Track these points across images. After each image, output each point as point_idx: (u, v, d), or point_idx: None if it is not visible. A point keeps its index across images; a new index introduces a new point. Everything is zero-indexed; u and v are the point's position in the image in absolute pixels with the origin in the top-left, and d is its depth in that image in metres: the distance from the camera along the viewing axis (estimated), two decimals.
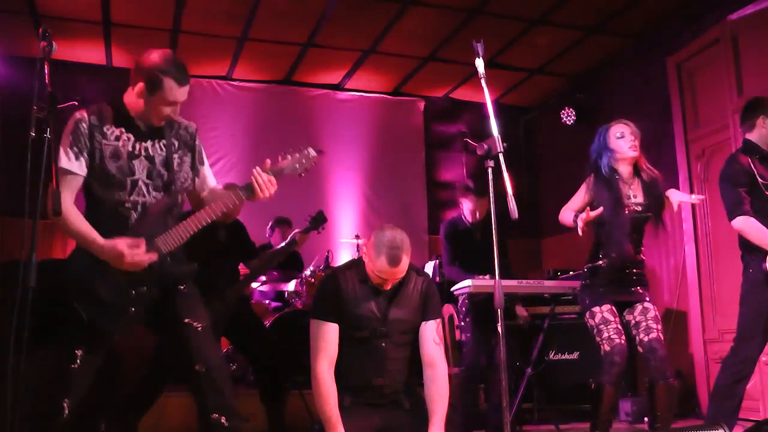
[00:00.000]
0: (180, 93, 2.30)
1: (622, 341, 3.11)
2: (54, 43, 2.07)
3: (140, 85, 2.26)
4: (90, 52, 5.90)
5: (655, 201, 3.25)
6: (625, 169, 3.27)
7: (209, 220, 2.33)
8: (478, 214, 4.21)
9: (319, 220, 4.17)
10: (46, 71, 2.03)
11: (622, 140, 3.24)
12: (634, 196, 3.25)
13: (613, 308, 3.18)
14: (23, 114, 2.09)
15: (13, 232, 5.06)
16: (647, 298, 3.24)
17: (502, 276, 2.37)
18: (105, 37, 5.65)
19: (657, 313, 3.21)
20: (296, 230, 4.20)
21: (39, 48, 2.06)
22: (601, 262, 3.22)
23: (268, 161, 2.40)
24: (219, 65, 6.34)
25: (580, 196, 3.31)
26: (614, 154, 3.25)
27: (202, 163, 2.52)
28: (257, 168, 2.36)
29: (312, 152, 2.48)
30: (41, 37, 2.06)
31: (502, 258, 4.50)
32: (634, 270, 3.26)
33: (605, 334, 3.13)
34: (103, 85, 5.79)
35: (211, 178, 2.57)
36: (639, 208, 3.23)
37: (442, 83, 6.89)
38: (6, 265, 3.56)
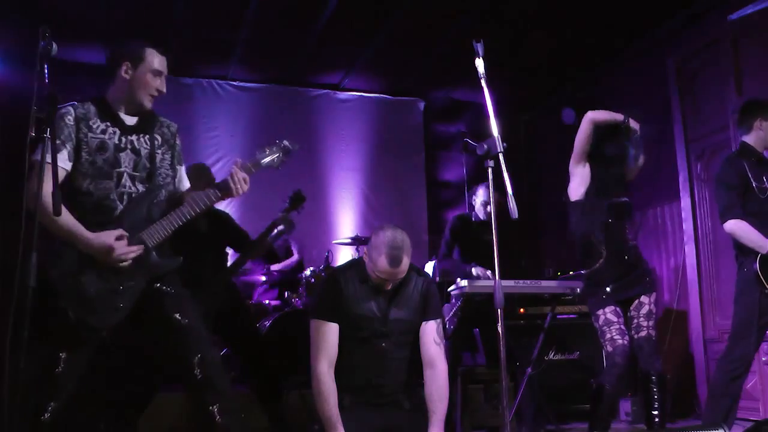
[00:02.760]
0: (161, 62, 2.43)
1: (625, 341, 3.12)
2: (54, 43, 2.07)
3: (125, 64, 2.38)
4: (90, 52, 5.89)
5: None
6: None
7: (193, 214, 2.39)
8: (491, 207, 4.09)
9: (297, 199, 3.94)
10: (46, 71, 2.03)
11: None
12: None
13: (617, 309, 3.19)
14: (23, 114, 2.09)
15: (12, 233, 5.04)
16: (648, 293, 3.22)
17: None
18: (105, 37, 5.65)
19: (652, 307, 3.21)
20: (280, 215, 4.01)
21: (39, 48, 2.06)
22: (597, 264, 3.21)
23: (241, 160, 2.46)
24: (219, 65, 6.33)
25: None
26: None
27: (180, 164, 2.58)
28: (234, 166, 2.42)
29: (287, 145, 2.53)
30: (41, 37, 2.06)
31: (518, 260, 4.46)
32: (633, 258, 3.26)
33: (608, 335, 3.15)
34: (103, 85, 5.77)
35: (186, 180, 2.62)
36: None
37: (442, 83, 6.88)
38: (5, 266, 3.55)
